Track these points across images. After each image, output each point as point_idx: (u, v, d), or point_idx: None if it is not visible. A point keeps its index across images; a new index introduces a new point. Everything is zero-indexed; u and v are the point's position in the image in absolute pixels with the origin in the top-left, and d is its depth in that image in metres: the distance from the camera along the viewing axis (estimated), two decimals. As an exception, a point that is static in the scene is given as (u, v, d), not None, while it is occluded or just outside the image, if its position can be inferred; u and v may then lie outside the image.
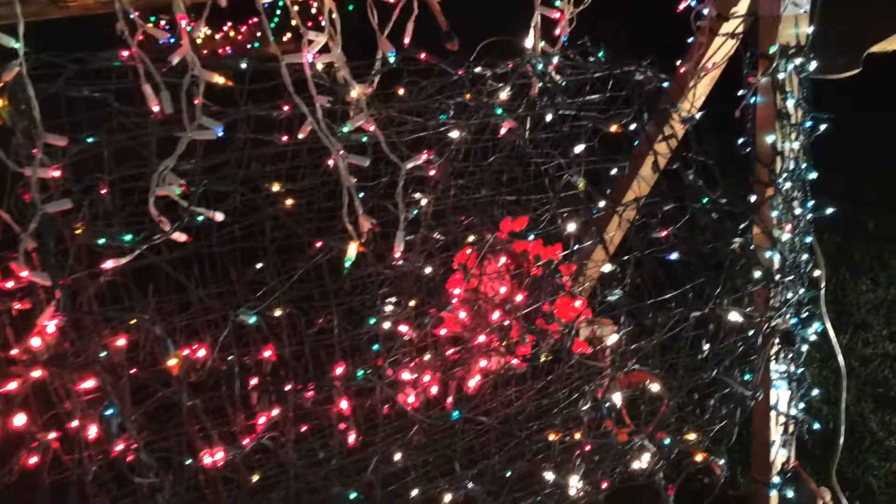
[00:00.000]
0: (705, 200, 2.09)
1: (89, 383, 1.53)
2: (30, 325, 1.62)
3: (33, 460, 1.66)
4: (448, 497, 2.12)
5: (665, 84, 2.45)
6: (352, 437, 2.00)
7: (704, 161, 2.15)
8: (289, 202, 2.08)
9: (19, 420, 1.60)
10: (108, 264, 1.54)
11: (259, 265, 2.14)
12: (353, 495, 1.70)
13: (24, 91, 1.44)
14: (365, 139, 1.97)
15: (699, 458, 2.19)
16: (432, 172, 1.89)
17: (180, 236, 1.64)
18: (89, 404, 1.63)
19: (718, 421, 2.22)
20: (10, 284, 1.69)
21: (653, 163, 2.14)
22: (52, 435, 1.67)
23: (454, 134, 2.20)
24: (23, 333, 1.65)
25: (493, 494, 2.13)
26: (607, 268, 1.92)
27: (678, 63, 2.57)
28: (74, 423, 1.63)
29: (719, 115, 2.52)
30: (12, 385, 1.63)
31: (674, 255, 2.04)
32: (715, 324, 2.05)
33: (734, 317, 2.05)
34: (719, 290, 1.99)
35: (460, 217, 2.42)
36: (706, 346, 2.08)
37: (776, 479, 2.61)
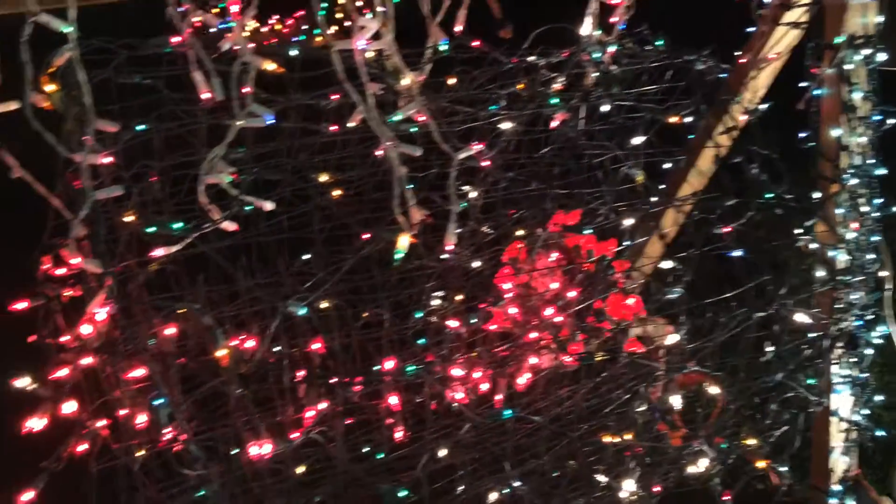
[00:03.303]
0: (768, 196, 2.00)
1: (139, 372, 1.52)
2: (80, 312, 1.62)
3: (82, 448, 1.65)
4: (494, 496, 2.07)
5: (723, 75, 2.36)
6: (399, 433, 1.96)
7: (769, 155, 2.06)
8: (337, 193, 2.05)
9: (69, 407, 1.60)
10: (158, 252, 1.52)
11: (307, 256, 2.12)
12: (402, 493, 1.66)
13: (75, 76, 1.43)
14: (414, 129, 1.93)
15: (761, 464, 2.10)
16: (485, 163, 1.83)
17: (229, 225, 1.61)
18: (139, 393, 1.62)
19: (780, 426, 2.14)
20: (61, 271, 1.68)
21: (714, 156, 2.05)
22: (102, 423, 1.66)
23: (505, 125, 2.14)
24: (74, 321, 1.64)
25: (542, 496, 2.08)
26: (667, 264, 1.85)
27: (737, 54, 2.48)
28: (123, 412, 1.63)
29: (780, 107, 2.42)
30: (63, 372, 1.63)
31: (736, 253, 1.95)
32: (780, 325, 1.96)
33: (800, 318, 1.96)
34: (784, 290, 1.90)
35: (510, 210, 2.36)
36: (770, 349, 1.99)
37: (836, 487, 2.50)
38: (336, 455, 1.69)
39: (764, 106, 2.24)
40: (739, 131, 2.20)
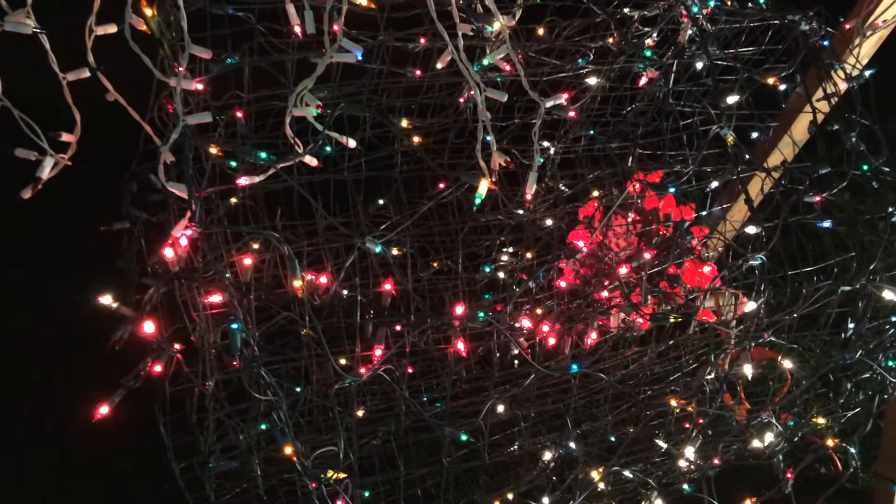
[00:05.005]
0: (865, 167, 1.90)
1: (216, 298, 1.55)
2: (164, 237, 1.65)
3: (157, 368, 1.70)
4: (548, 455, 2.06)
5: (825, 42, 2.24)
6: (461, 381, 1.97)
7: (869, 125, 1.95)
8: (417, 139, 2.04)
9: (148, 328, 1.64)
10: (243, 181, 1.54)
11: (383, 200, 2.12)
12: (464, 437, 1.67)
13: (173, 2, 1.43)
14: (499, 79, 1.90)
15: (830, 443, 2.03)
16: (572, 114, 1.79)
17: (312, 160, 1.62)
18: (214, 319, 1.66)
19: (852, 408, 2.06)
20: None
21: (810, 123, 1.96)
22: (177, 347, 1.71)
23: (591, 80, 2.09)
24: (157, 246, 1.68)
25: (597, 457, 2.07)
26: (752, 229, 1.79)
27: (842, 19, 2.35)
28: (197, 337, 1.66)
29: (885, 76, 2.29)
30: (144, 294, 1.67)
31: (826, 223, 1.86)
32: (864, 302, 1.87)
33: (889, 295, 1.87)
34: (874, 265, 1.81)
35: (588, 168, 2.31)
36: (850, 325, 1.91)
37: (904, 478, 2.42)
38: (399, 395, 1.71)
39: (867, 72, 2.11)
40: (839, 99, 2.09)
